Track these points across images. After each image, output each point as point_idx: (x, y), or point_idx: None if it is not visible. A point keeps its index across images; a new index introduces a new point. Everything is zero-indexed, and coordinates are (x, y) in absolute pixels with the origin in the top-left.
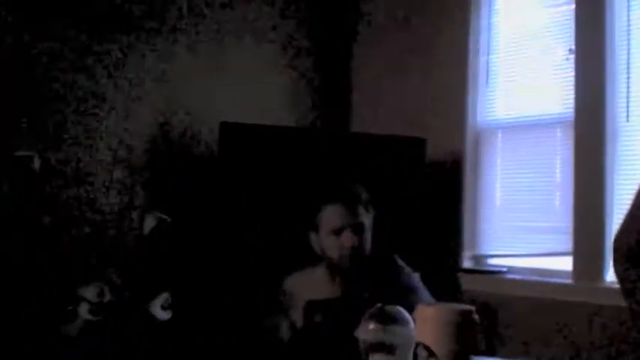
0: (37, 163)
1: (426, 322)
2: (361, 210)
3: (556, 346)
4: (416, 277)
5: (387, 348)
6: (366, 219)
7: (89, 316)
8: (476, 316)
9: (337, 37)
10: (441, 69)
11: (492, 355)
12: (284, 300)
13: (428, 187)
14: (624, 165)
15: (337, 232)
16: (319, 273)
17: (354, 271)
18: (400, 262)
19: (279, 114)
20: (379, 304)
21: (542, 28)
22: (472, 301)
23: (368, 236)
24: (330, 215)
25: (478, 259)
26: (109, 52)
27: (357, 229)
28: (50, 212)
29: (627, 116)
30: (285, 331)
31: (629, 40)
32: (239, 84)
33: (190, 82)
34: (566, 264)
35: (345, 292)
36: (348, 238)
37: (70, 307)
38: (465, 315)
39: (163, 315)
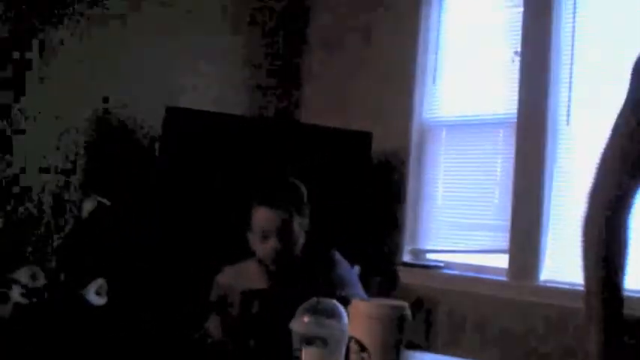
0: None
1: (358, 316)
2: (292, 214)
3: (490, 341)
4: (353, 272)
5: (321, 341)
6: (297, 223)
7: (21, 299)
8: (408, 312)
9: (289, 28)
10: (389, 65)
11: (428, 348)
12: (217, 293)
13: (371, 181)
14: (563, 167)
15: (264, 236)
16: (252, 267)
17: (282, 272)
18: (337, 257)
19: (228, 103)
20: (315, 298)
21: (490, 29)
22: (410, 295)
23: (298, 239)
24: (258, 218)
25: (417, 253)
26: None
27: (285, 234)
28: None
29: (567, 119)
30: (215, 329)
31: (573, 45)
32: (189, 70)
33: (139, 64)
34: (502, 261)
35: (278, 286)
36: (272, 244)
37: (1, 290)
38: (398, 311)
39: (98, 300)
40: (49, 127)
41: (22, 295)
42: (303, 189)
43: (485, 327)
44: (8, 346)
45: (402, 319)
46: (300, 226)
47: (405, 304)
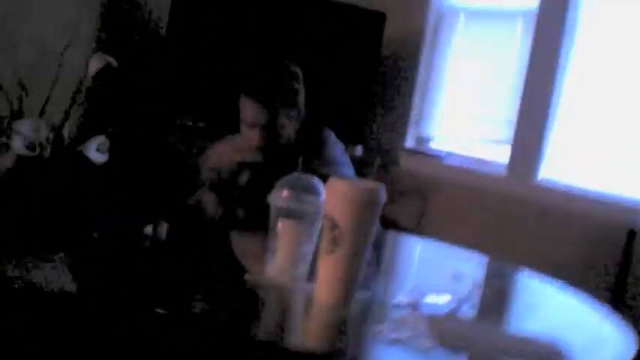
0: None
1: (334, 195)
2: (279, 108)
3: (481, 233)
4: (344, 153)
5: (296, 215)
6: (285, 115)
7: (23, 151)
8: (383, 195)
9: None
10: None
11: (418, 233)
12: (209, 164)
13: (382, 63)
14: (577, 67)
15: (252, 125)
16: (239, 142)
17: (272, 149)
18: (330, 137)
19: None
20: (295, 173)
21: None
22: (408, 181)
23: (285, 132)
24: (245, 110)
25: (421, 140)
26: None
27: (270, 129)
28: None
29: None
30: (207, 202)
31: None
32: None
33: None
34: (503, 156)
35: (268, 160)
36: (254, 139)
37: (2, 139)
38: (372, 192)
39: (98, 158)
40: None
41: (25, 147)
42: (298, 74)
43: (480, 219)
44: (8, 196)
45: (377, 201)
46: (289, 117)
47: (381, 185)
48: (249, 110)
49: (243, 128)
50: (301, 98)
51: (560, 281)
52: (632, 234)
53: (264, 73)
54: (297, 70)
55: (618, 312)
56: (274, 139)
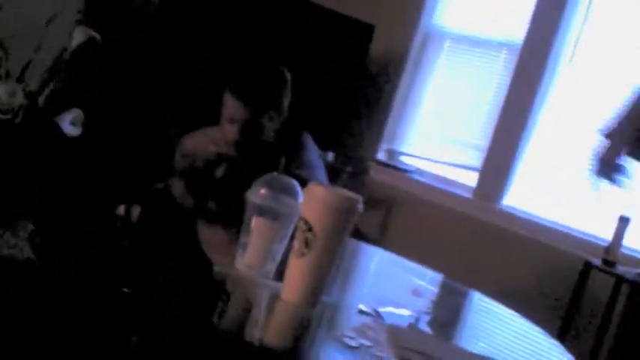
0: None
1: (312, 199)
2: (262, 110)
3: (441, 252)
4: (319, 157)
5: (272, 214)
6: (268, 117)
7: None
8: (360, 206)
9: None
10: None
11: (380, 244)
12: (182, 154)
13: (364, 75)
14: (555, 103)
15: (231, 120)
16: (217, 134)
17: (242, 155)
18: (307, 140)
19: None
20: (275, 172)
21: None
22: (376, 192)
23: (264, 132)
24: (227, 105)
25: (392, 154)
26: None
27: (249, 128)
28: None
29: (571, 58)
30: (177, 191)
31: None
32: None
33: None
34: (471, 180)
35: (244, 156)
36: (232, 134)
37: None
38: (350, 202)
39: (72, 130)
40: None
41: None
42: (287, 81)
43: (441, 237)
44: None
45: (353, 210)
46: (270, 118)
47: (359, 197)
48: (231, 106)
49: (223, 122)
50: (286, 103)
51: (512, 306)
52: (586, 266)
53: (253, 74)
54: (287, 76)
55: (565, 342)
56: (251, 136)
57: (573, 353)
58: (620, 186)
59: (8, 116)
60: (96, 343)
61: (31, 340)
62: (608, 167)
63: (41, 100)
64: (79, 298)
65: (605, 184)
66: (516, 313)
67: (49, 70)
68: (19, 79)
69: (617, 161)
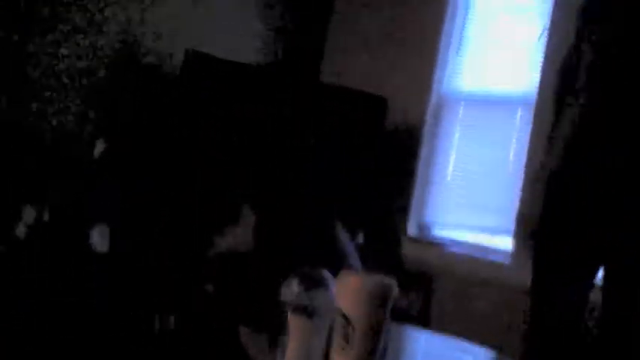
0: None
1: (346, 289)
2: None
3: (488, 325)
4: (351, 244)
5: (307, 311)
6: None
7: (23, 235)
8: (396, 290)
9: None
10: (415, 31)
11: (424, 324)
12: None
13: (384, 149)
14: None
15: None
16: (243, 230)
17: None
18: (338, 229)
19: (251, 54)
20: (306, 267)
21: (522, 2)
22: (412, 269)
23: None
24: (245, 216)
25: (423, 227)
26: None
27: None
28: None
29: None
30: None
31: None
32: (214, 17)
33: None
34: (506, 243)
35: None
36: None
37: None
38: (386, 288)
39: (101, 245)
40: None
41: (26, 232)
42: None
43: (486, 309)
44: (5, 279)
45: (389, 295)
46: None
47: (394, 281)
48: (249, 219)
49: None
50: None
51: None
52: None
53: (268, 192)
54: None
55: None
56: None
57: None
58: None
59: (35, 238)
60: None
61: None
62: None
63: (67, 216)
64: None
65: None
66: None
67: (72, 186)
68: (44, 198)
69: None
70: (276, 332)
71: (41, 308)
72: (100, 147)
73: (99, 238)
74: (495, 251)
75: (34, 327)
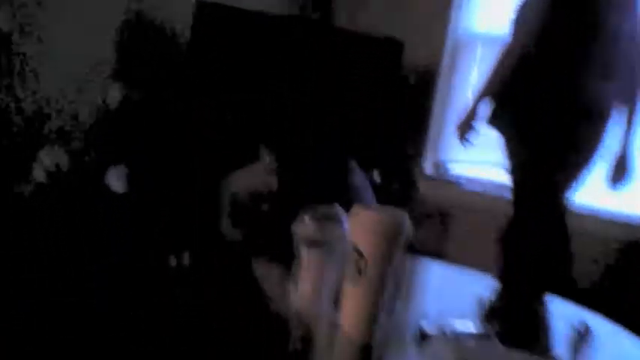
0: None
1: (358, 223)
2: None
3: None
4: (365, 180)
5: (321, 244)
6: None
7: (44, 179)
8: (407, 221)
9: None
10: None
11: (440, 257)
12: (229, 194)
13: (400, 90)
14: None
15: (269, 172)
16: (261, 170)
17: (292, 177)
18: (352, 165)
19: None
20: (319, 202)
21: None
22: (428, 206)
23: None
24: (263, 156)
25: (439, 165)
26: None
27: (288, 175)
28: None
29: None
30: (227, 229)
31: None
32: None
33: None
34: None
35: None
36: (273, 183)
37: (24, 168)
38: (398, 221)
39: (118, 187)
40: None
41: (45, 174)
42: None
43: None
44: (27, 225)
45: (401, 228)
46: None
47: (405, 214)
48: (268, 159)
49: (263, 171)
50: (325, 145)
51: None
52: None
53: (285, 128)
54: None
55: None
56: (292, 181)
57: None
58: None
59: (55, 180)
60: None
61: None
62: (463, 129)
63: (86, 159)
64: None
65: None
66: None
67: (90, 130)
68: (62, 142)
69: (471, 123)
70: (289, 266)
71: (59, 249)
72: (115, 95)
73: (116, 179)
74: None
75: (52, 265)
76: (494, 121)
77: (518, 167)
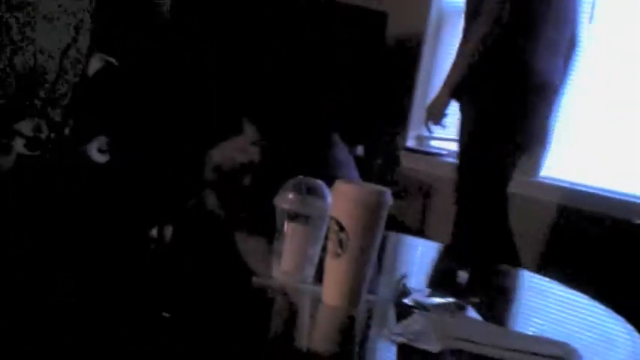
0: None
1: (340, 198)
2: (282, 135)
3: None
4: (348, 154)
5: (303, 217)
6: (289, 138)
7: (24, 151)
8: (389, 198)
9: None
10: None
11: (421, 233)
12: (211, 166)
13: (383, 63)
14: (580, 66)
15: (252, 144)
16: (246, 141)
17: (275, 148)
18: (335, 138)
19: None
20: (300, 175)
21: None
22: (410, 180)
23: (287, 148)
24: (246, 129)
25: (422, 139)
26: None
27: (271, 146)
28: None
29: (590, 19)
30: (210, 202)
31: None
32: None
33: None
34: None
35: (271, 161)
36: (256, 155)
37: (4, 140)
38: (377, 195)
39: (100, 157)
40: None
41: (25, 146)
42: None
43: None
44: (9, 197)
45: (383, 203)
46: (292, 138)
47: (387, 189)
48: (251, 132)
49: (245, 143)
50: (307, 119)
51: (563, 281)
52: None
53: (269, 99)
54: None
55: (624, 311)
56: (276, 154)
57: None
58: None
59: (36, 152)
60: None
61: None
62: (432, 115)
63: (66, 131)
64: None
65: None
66: (567, 288)
67: (71, 101)
68: (42, 113)
69: (442, 109)
70: (271, 239)
71: (40, 223)
72: (95, 65)
73: (97, 151)
74: None
75: (32, 240)
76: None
77: (470, 141)
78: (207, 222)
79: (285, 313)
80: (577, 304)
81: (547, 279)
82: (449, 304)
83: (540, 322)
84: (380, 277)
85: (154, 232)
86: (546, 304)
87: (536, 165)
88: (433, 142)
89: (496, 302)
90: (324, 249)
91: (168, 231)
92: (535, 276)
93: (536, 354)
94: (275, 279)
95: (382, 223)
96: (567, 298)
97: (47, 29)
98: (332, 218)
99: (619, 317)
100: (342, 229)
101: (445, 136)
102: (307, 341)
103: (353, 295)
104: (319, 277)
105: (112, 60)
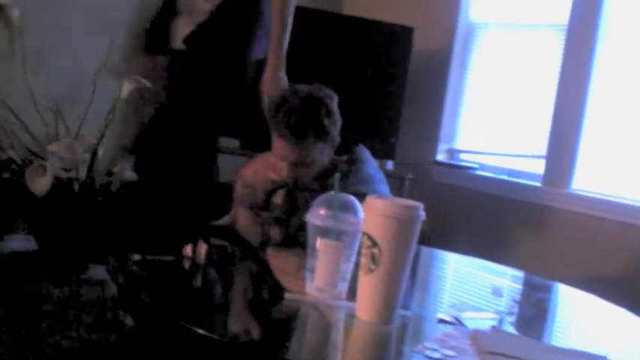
0: None
1: (372, 213)
2: (311, 146)
3: (516, 245)
4: (378, 169)
5: (335, 234)
6: (318, 151)
7: (60, 172)
8: (422, 213)
9: None
10: None
11: (455, 248)
12: (242, 185)
13: (412, 77)
14: (607, 78)
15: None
16: (274, 160)
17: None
18: (364, 154)
19: None
20: (332, 192)
21: None
22: (442, 195)
23: (315, 164)
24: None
25: (452, 153)
26: None
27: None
28: None
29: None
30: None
31: None
32: None
33: None
34: (537, 167)
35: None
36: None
37: (40, 161)
38: (410, 211)
39: (131, 177)
40: None
41: (61, 167)
42: (332, 109)
43: (516, 232)
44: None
45: (416, 218)
46: (322, 151)
47: (420, 204)
48: (280, 146)
49: (275, 159)
50: (336, 129)
51: (598, 294)
52: None
53: (296, 110)
54: (332, 102)
55: None
56: (305, 171)
57: None
58: None
59: (70, 174)
60: None
61: None
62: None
63: (100, 150)
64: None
65: None
66: (607, 302)
67: (105, 123)
68: (77, 135)
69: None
70: (304, 256)
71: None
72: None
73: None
74: (524, 174)
75: None
76: None
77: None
78: (239, 240)
79: (319, 330)
80: (614, 317)
81: (584, 292)
82: (485, 319)
83: (578, 335)
84: (414, 291)
85: (188, 250)
86: (583, 317)
87: (567, 177)
88: (463, 156)
89: (533, 316)
90: (356, 265)
91: (202, 249)
92: (572, 289)
93: None
94: (308, 295)
95: (415, 238)
96: (604, 311)
97: (83, 50)
98: (364, 234)
99: None
100: (374, 244)
101: (473, 150)
102: (342, 357)
103: (387, 310)
104: (353, 292)
105: (144, 81)
